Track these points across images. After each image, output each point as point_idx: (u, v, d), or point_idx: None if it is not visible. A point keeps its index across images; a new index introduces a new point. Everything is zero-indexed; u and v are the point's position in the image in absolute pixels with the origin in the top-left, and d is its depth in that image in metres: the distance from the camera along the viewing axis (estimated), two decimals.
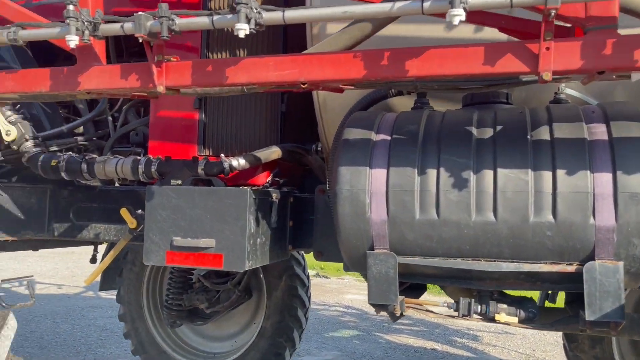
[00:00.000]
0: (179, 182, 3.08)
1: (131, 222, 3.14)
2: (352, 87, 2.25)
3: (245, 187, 2.68)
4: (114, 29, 2.11)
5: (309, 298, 4.75)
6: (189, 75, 2.16)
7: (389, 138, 2.34)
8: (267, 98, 3.35)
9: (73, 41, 2.04)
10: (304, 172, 3.66)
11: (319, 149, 3.41)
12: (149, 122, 3.56)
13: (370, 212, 2.28)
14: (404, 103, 2.83)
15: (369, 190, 2.28)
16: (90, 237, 3.52)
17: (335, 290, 9.84)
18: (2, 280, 2.55)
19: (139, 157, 3.21)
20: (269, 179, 3.31)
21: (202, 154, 3.36)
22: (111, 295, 5.10)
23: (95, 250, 4.24)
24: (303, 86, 2.04)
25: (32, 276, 2.85)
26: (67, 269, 10.88)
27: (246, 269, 2.59)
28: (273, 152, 3.18)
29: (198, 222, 2.64)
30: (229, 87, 2.23)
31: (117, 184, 3.68)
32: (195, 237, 2.64)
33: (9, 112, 3.37)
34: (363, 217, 2.30)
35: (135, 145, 3.65)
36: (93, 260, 4.23)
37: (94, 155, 3.32)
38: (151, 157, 3.19)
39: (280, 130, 3.35)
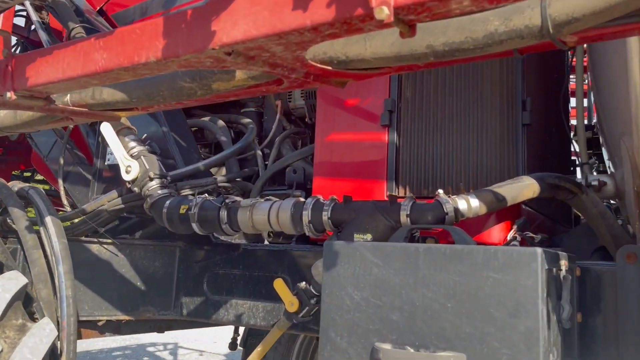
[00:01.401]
0: (368, 236, 1.75)
1: (290, 303, 1.84)
2: None
3: (532, 248, 1.25)
4: None
5: None
6: None
7: None
8: (498, 103, 1.97)
9: None
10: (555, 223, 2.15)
11: (592, 184, 1.91)
12: (311, 154, 2.39)
13: None
14: None
15: None
16: (230, 320, 2.29)
17: None
18: None
19: (301, 199, 1.97)
20: (514, 234, 1.85)
21: (394, 193, 2.03)
22: None
23: (236, 332, 3.02)
24: None
25: None
26: (210, 333, 10.05)
27: None
28: (526, 188, 1.73)
29: (428, 315, 1.25)
30: None
31: (266, 242, 2.47)
32: (423, 345, 1.24)
33: (133, 144, 2.36)
34: None
35: (293, 186, 2.44)
36: (232, 346, 3.00)
37: (237, 198, 2.14)
38: (321, 197, 1.93)
39: (524, 154, 1.92)
